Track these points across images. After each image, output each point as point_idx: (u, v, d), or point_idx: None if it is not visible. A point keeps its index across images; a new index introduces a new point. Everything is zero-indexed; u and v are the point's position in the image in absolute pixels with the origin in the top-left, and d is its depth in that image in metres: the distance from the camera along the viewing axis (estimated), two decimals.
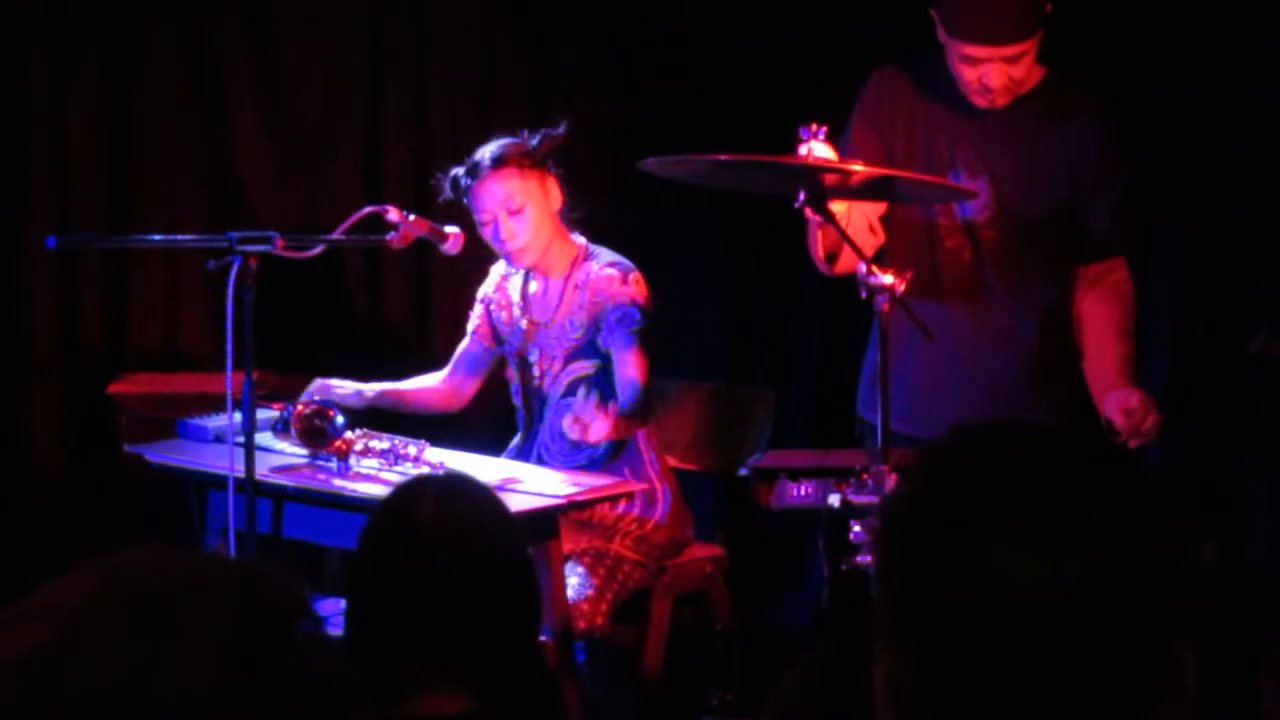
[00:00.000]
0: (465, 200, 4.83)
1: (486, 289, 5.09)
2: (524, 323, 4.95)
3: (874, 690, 1.49)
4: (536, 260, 4.87)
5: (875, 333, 4.76)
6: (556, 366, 4.90)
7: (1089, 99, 4.54)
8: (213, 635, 1.12)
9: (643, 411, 4.75)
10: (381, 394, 4.96)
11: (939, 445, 1.51)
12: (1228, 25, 5.14)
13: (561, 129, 4.81)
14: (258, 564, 1.20)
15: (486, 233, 4.83)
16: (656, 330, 4.81)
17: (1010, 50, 4.38)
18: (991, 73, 4.41)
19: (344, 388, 4.87)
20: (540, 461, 4.90)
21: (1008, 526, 1.42)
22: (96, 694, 1.08)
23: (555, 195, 4.85)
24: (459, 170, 4.84)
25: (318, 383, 4.86)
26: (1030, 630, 1.41)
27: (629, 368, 4.75)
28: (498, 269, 5.06)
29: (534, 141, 4.82)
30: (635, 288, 4.79)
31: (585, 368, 4.85)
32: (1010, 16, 4.37)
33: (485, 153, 4.81)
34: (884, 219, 4.61)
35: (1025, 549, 1.41)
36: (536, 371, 4.92)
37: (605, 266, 4.83)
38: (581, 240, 4.91)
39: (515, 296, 4.99)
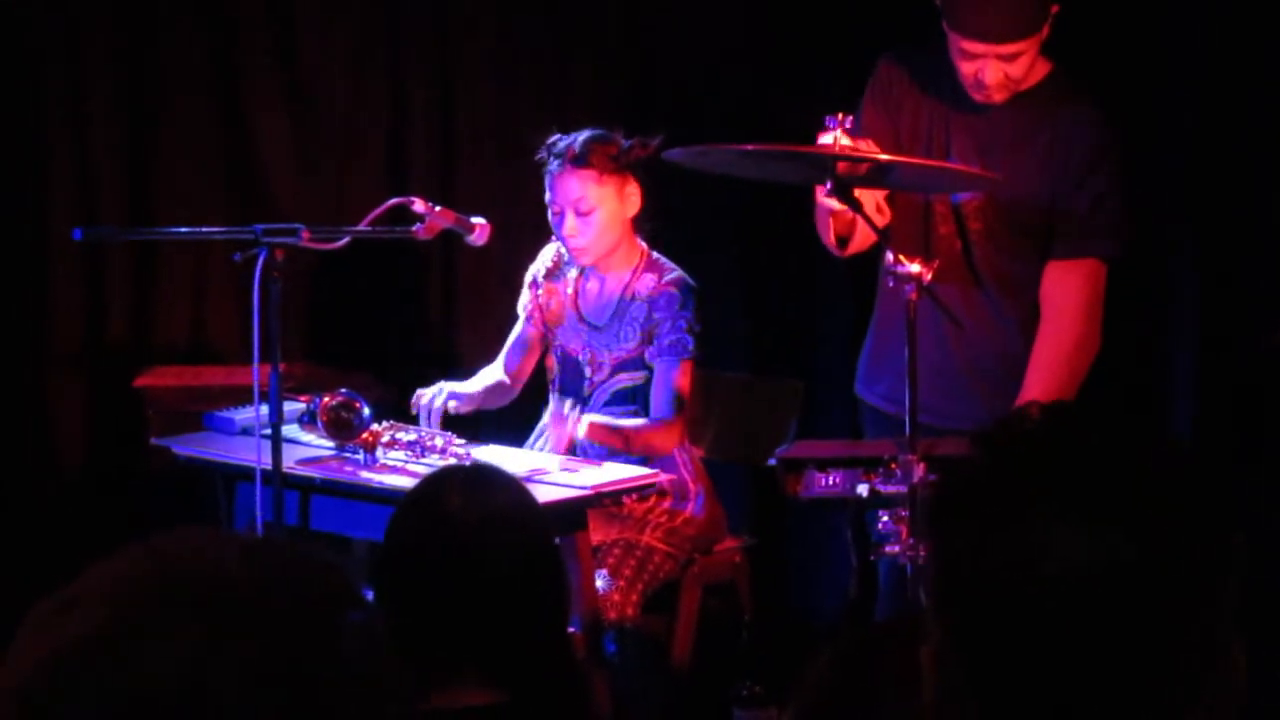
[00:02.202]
0: (545, 179, 4.82)
1: (537, 271, 5.05)
2: (577, 321, 4.94)
3: (909, 670, 1.50)
4: (596, 261, 4.86)
5: (876, 314, 4.79)
6: (604, 373, 4.89)
7: (1086, 99, 4.52)
8: (263, 623, 1.12)
9: (675, 427, 4.78)
10: (479, 396, 4.92)
11: (995, 428, 1.52)
12: (1229, 23, 5.12)
13: (656, 140, 4.75)
14: (306, 550, 1.20)
15: (553, 221, 4.82)
16: (703, 358, 4.84)
17: (1006, 49, 4.36)
18: (987, 69, 4.39)
19: (461, 391, 4.82)
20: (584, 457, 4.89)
21: (1056, 507, 1.43)
22: (150, 680, 1.08)
23: (633, 201, 4.82)
24: (553, 143, 4.80)
25: (447, 389, 4.79)
26: (1074, 611, 1.41)
27: (671, 403, 4.78)
28: (550, 251, 5.02)
29: (625, 144, 4.79)
30: (695, 312, 4.80)
31: (632, 379, 4.85)
32: (1009, 15, 4.35)
33: (575, 144, 4.76)
34: (889, 199, 4.60)
35: (1072, 530, 1.42)
36: (588, 373, 4.91)
37: (668, 284, 4.83)
38: (644, 246, 4.89)
39: (570, 290, 4.98)
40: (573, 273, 4.97)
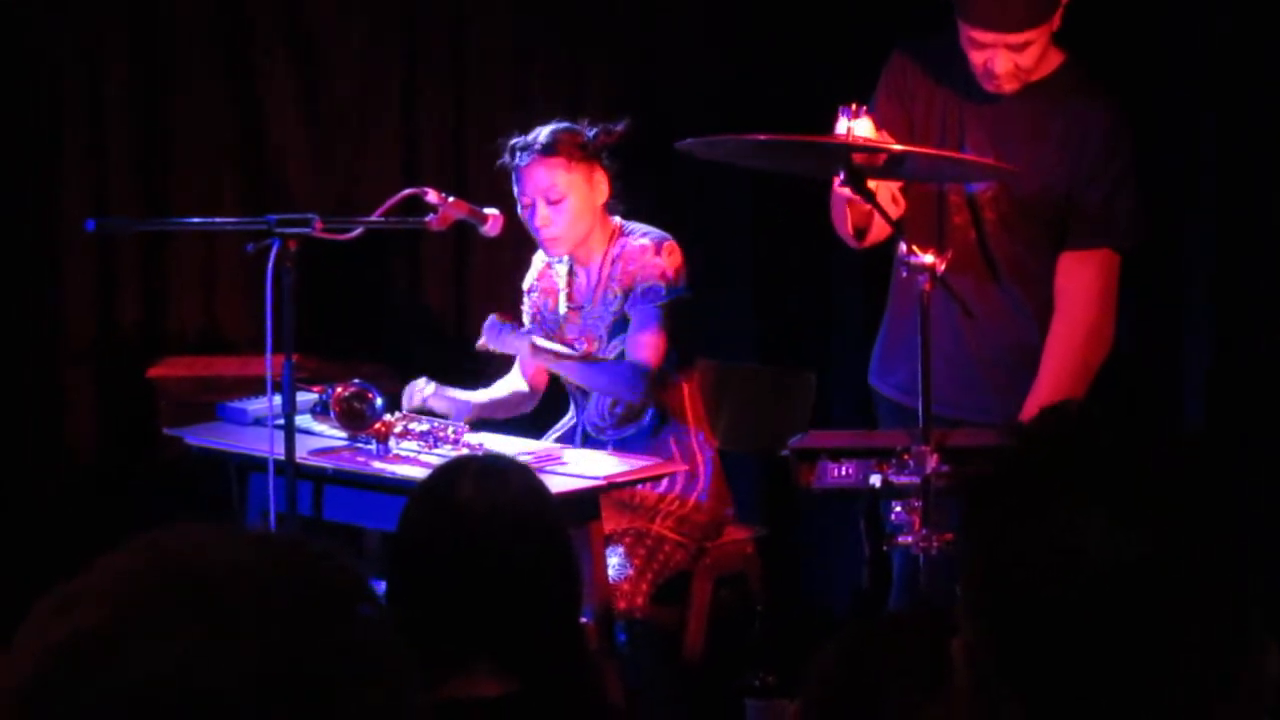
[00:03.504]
0: (513, 175, 4.82)
1: (530, 278, 5.07)
2: (565, 309, 4.93)
3: (920, 660, 1.50)
4: (572, 250, 4.86)
5: (890, 306, 4.78)
6: (600, 345, 4.87)
7: (1100, 89, 4.51)
8: (265, 620, 1.11)
9: (644, 391, 4.77)
10: (483, 406, 4.95)
11: (1030, 422, 1.53)
12: (1245, 14, 5.11)
13: (621, 125, 4.77)
14: (311, 545, 1.19)
15: (524, 215, 4.82)
16: (684, 307, 4.81)
17: (1015, 38, 4.35)
18: (996, 59, 4.38)
19: (456, 397, 4.85)
20: (586, 441, 4.89)
21: (1087, 502, 1.43)
22: (146, 677, 1.07)
23: (602, 189, 4.82)
24: (516, 141, 4.82)
25: (433, 388, 4.83)
26: (1105, 605, 1.42)
27: (641, 348, 4.76)
28: (540, 257, 5.03)
29: (590, 133, 4.79)
30: (667, 259, 4.78)
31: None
32: (1017, 4, 4.34)
33: (539, 135, 4.77)
34: (903, 189, 4.59)
35: (1103, 525, 1.42)
36: (587, 351, 4.91)
37: (639, 238, 4.82)
38: (617, 220, 4.89)
39: (561, 284, 4.97)
40: (562, 270, 4.96)
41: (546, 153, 4.75)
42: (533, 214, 4.79)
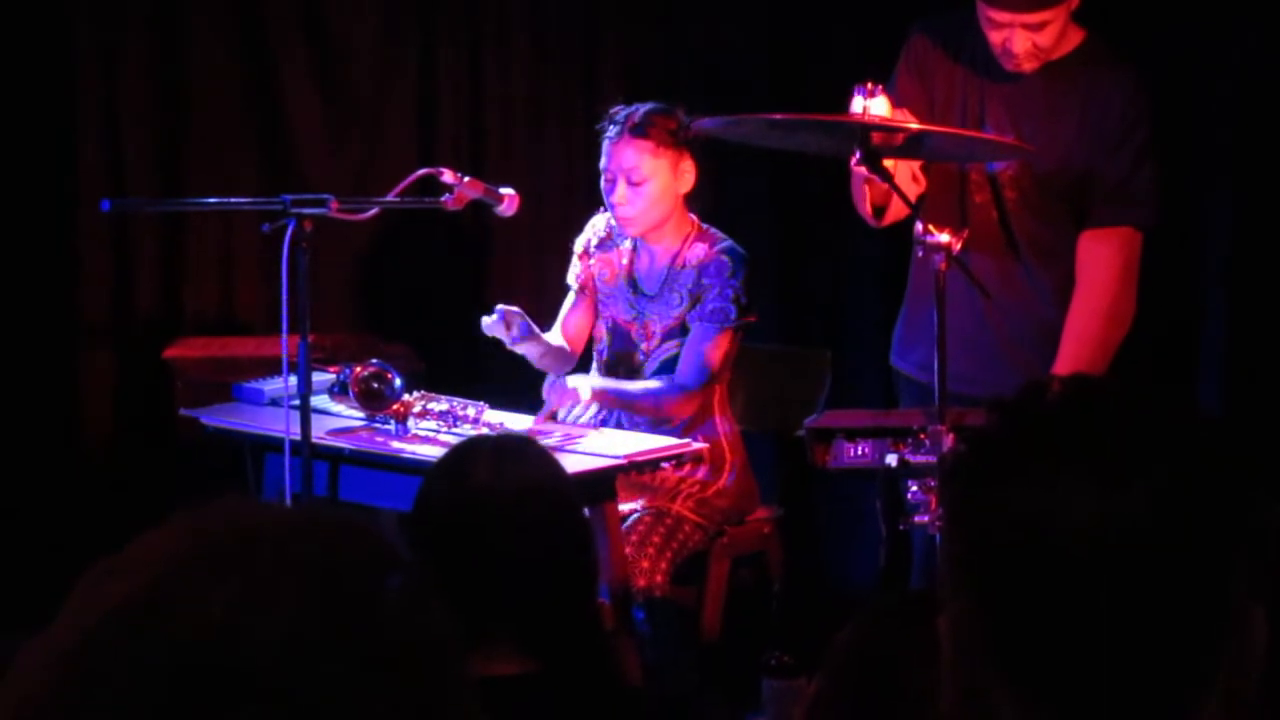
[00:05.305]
0: (603, 144, 4.82)
1: (589, 240, 5.02)
2: (629, 290, 4.93)
3: (937, 640, 1.49)
4: (643, 233, 4.85)
5: (910, 285, 4.78)
6: (655, 342, 4.87)
7: (1120, 66, 4.51)
8: (303, 590, 1.12)
9: (694, 396, 4.77)
10: (548, 354, 4.90)
11: (1010, 395, 1.51)
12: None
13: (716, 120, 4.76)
14: (352, 519, 1.20)
15: (605, 188, 4.82)
16: (746, 329, 4.84)
17: (1032, 18, 4.35)
18: (1014, 38, 4.38)
19: (543, 339, 4.83)
20: (620, 429, 4.88)
21: (1068, 467, 1.42)
22: (187, 643, 1.08)
23: (687, 179, 4.82)
24: (614, 111, 4.81)
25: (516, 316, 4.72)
26: (1088, 573, 1.40)
27: (694, 369, 4.78)
28: (601, 221, 5.01)
29: (685, 120, 4.77)
30: (744, 282, 4.79)
31: (680, 345, 4.84)
32: None
33: (636, 113, 4.77)
34: (924, 168, 4.59)
35: (1084, 489, 1.41)
36: (640, 343, 4.90)
37: (720, 253, 4.82)
38: (695, 219, 4.89)
39: (624, 261, 4.97)
40: (626, 244, 4.96)
41: (636, 133, 4.75)
42: (611, 189, 4.79)
